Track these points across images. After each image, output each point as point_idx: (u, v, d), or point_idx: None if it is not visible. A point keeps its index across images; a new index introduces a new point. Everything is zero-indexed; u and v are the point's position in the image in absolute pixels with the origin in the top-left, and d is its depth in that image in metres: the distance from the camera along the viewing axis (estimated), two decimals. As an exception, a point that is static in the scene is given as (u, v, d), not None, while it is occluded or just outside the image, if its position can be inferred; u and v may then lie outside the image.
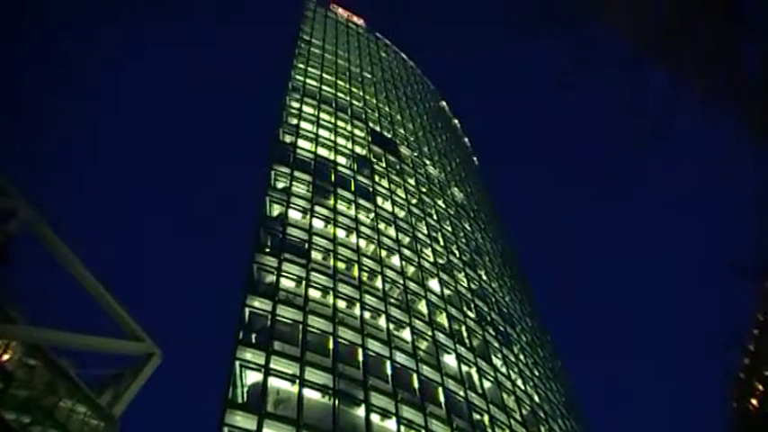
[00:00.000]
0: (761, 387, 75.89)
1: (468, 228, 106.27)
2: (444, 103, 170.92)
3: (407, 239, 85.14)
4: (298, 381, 52.91)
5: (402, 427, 55.62)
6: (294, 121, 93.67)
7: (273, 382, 52.13)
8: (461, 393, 65.51)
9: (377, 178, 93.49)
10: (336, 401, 53.52)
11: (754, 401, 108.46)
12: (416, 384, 61.95)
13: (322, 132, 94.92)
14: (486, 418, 65.68)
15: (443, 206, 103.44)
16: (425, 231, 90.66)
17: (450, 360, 69.65)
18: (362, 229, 79.83)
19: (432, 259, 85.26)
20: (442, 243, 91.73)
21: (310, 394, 53.06)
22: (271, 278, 63.30)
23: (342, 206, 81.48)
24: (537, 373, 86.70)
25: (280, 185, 78.49)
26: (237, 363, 51.75)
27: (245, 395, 50.33)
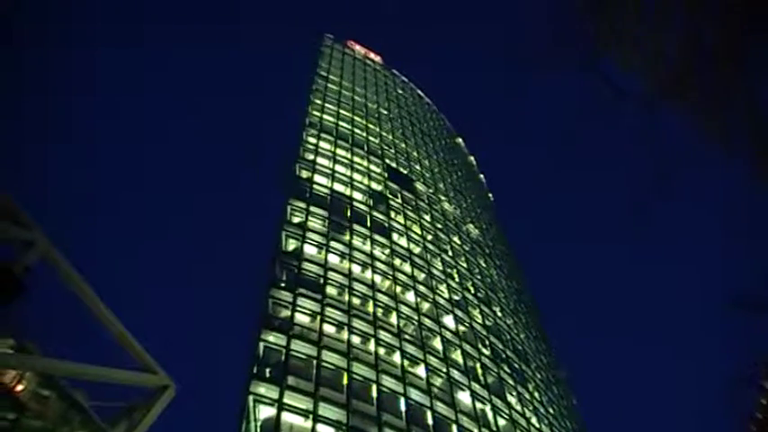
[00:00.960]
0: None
1: (484, 264, 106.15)
2: (460, 140, 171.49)
3: (423, 275, 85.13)
4: (311, 416, 52.88)
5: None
6: (311, 157, 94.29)
7: (287, 417, 52.09)
8: (475, 431, 65.12)
9: (392, 214, 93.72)
10: (349, 437, 53.41)
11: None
12: (430, 421, 61.65)
13: (338, 168, 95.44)
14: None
15: (459, 242, 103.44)
16: (441, 267, 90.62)
17: (464, 397, 69.33)
18: (378, 264, 79.92)
19: (447, 296, 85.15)
20: (457, 279, 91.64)
21: (324, 430, 52.96)
22: (286, 313, 63.43)
23: (357, 242, 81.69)
24: (551, 411, 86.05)
25: (296, 220, 78.84)
26: (251, 397, 51.82)
27: (258, 430, 50.28)
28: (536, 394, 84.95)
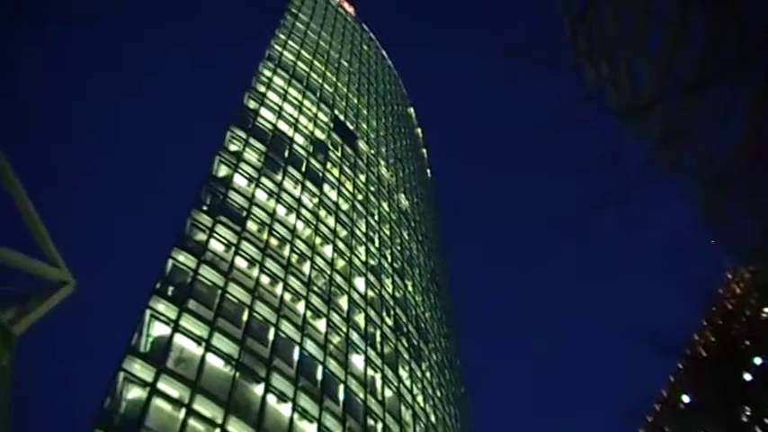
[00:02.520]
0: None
1: (406, 236, 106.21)
2: (412, 110, 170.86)
3: (344, 233, 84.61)
4: (204, 344, 52.05)
5: (296, 414, 55.03)
6: (262, 89, 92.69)
7: (180, 339, 51.18)
8: (361, 396, 65.19)
9: (329, 166, 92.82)
10: (237, 374, 52.72)
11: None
12: (319, 376, 61.41)
13: (287, 107, 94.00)
14: (379, 426, 65.47)
15: (387, 209, 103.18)
16: (364, 229, 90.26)
17: (357, 361, 69.29)
18: (303, 211, 79.10)
19: (363, 258, 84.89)
20: (376, 245, 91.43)
21: (213, 361, 52.20)
22: (201, 237, 62.29)
23: (288, 184, 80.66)
24: (439, 394, 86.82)
25: (232, 148, 77.41)
26: (148, 312, 50.71)
27: (148, 345, 49.24)
28: (428, 374, 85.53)
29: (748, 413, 26.01)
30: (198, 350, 51.62)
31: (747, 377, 27.44)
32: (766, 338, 31.63)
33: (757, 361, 30.35)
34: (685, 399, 47.65)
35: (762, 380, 28.05)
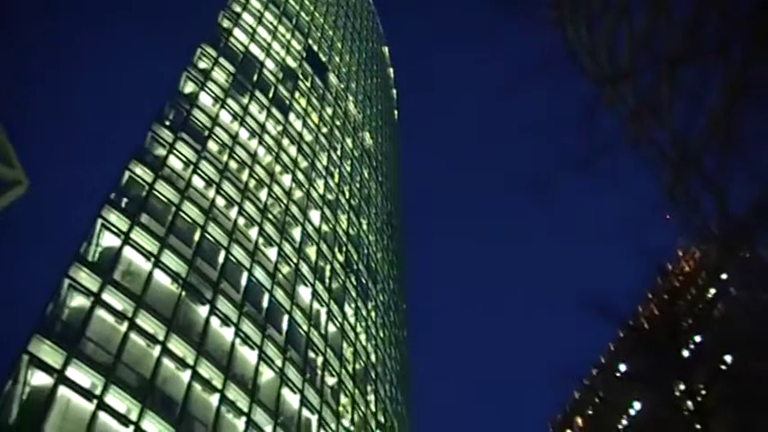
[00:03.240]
0: (580, 422, 79.37)
1: (366, 175, 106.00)
2: (386, 49, 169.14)
3: (305, 164, 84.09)
4: (153, 260, 51.72)
5: (237, 339, 55.22)
6: (238, 9, 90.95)
7: (129, 252, 50.80)
8: (304, 328, 65.55)
9: (297, 95, 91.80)
10: (183, 293, 52.61)
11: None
12: (265, 304, 61.54)
13: (261, 31, 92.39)
14: (320, 359, 66.06)
15: (350, 146, 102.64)
16: (325, 163, 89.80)
17: (304, 293, 69.51)
18: (266, 137, 78.35)
19: (321, 191, 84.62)
20: (336, 179, 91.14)
21: (161, 277, 51.97)
22: (161, 151, 61.43)
23: (254, 108, 79.71)
24: (382, 335, 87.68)
25: (201, 66, 76.12)
26: (100, 221, 50.10)
27: (96, 255, 48.82)
28: (373, 314, 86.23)
29: (682, 388, 26.60)
30: (146, 265, 51.29)
31: (685, 353, 28.02)
32: (708, 318, 32.35)
33: (697, 339, 31.09)
34: (622, 367, 48.71)
35: (699, 358, 28.70)
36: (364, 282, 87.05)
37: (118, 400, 42.15)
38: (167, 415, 44.63)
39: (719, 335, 29.20)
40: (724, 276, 42.47)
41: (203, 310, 53.91)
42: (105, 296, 45.99)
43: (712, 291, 44.91)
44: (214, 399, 49.68)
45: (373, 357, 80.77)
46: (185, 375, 48.23)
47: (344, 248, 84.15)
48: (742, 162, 33.32)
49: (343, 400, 68.07)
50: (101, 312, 45.41)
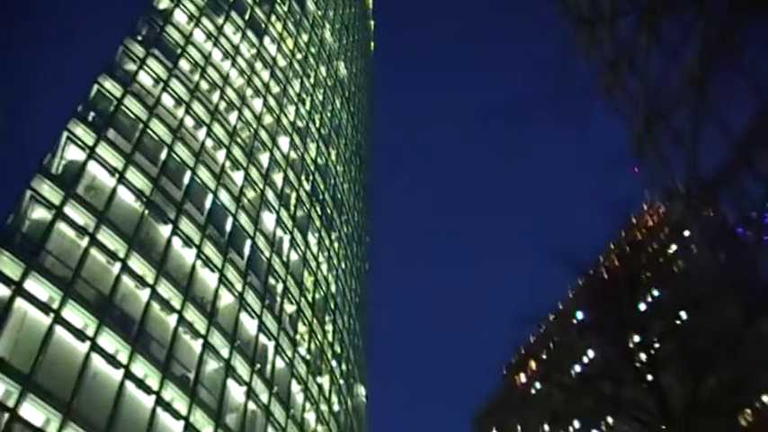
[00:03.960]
0: (533, 365, 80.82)
1: (338, 105, 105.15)
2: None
3: (277, 89, 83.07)
4: (117, 176, 51.04)
5: (199, 261, 55.16)
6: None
7: (93, 167, 50.00)
8: (266, 254, 65.58)
9: (273, 19, 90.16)
10: (147, 211, 52.16)
11: (522, 376, 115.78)
12: (228, 228, 61.36)
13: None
14: (280, 286, 66.26)
15: (324, 74, 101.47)
16: (297, 90, 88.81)
17: (268, 219, 69.36)
18: (239, 60, 77.14)
19: (292, 118, 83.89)
20: (307, 107, 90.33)
21: (124, 194, 51.38)
22: (132, 67, 60.08)
23: (229, 29, 78.26)
24: (344, 266, 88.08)
25: (178, -19, 74.23)
26: (65, 134, 49.18)
27: (60, 168, 48.01)
28: (336, 245, 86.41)
29: (636, 340, 27.06)
30: (110, 181, 50.61)
31: (642, 307, 28.42)
32: (667, 274, 32.78)
33: (654, 293, 31.55)
34: (579, 315, 49.27)
35: (655, 311, 29.16)
36: (329, 212, 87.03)
37: (75, 314, 41.92)
38: (124, 333, 44.57)
39: (677, 291, 29.63)
40: (687, 233, 42.99)
41: (166, 230, 53.57)
42: (67, 210, 45.40)
43: (674, 247, 45.51)
44: (172, 319, 49.76)
45: (333, 288, 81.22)
46: (144, 294, 48.12)
47: (311, 177, 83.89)
48: (713, 121, 33.48)
49: (301, 328, 68.62)
50: (62, 226, 44.91)
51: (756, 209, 29.46)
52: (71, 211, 45.73)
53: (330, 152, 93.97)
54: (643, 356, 26.55)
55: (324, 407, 69.29)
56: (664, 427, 24.30)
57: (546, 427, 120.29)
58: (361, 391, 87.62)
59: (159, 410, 44.39)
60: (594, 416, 41.52)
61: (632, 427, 27.62)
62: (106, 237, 47.17)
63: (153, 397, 44.26)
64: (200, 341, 51.40)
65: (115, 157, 51.88)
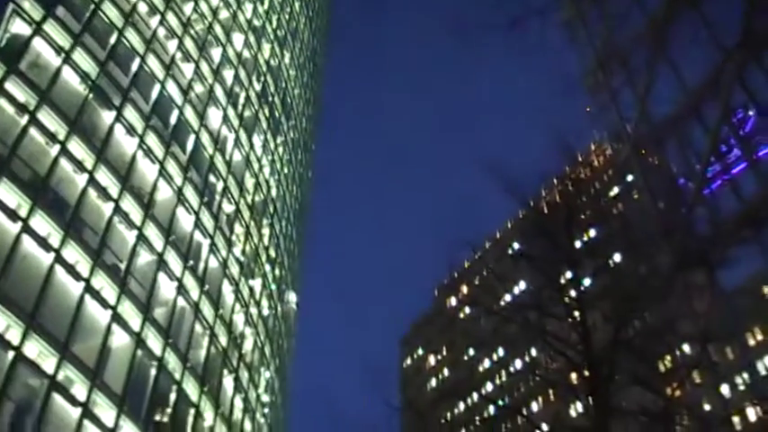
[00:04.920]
0: (465, 290, 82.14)
1: (297, 8, 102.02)
2: None
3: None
4: (64, 55, 49.32)
5: (140, 151, 54.17)
6: None
7: (39, 44, 47.98)
8: (209, 151, 64.78)
9: None
10: (91, 95, 50.70)
11: (453, 299, 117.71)
12: (173, 120, 60.21)
13: None
14: (220, 184, 65.68)
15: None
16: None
17: (215, 116, 68.27)
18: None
19: (248, 15, 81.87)
20: (265, 6, 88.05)
21: (69, 75, 49.64)
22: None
23: None
24: (286, 171, 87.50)
25: None
26: (11, 6, 46.93)
27: (4, 41, 45.98)
28: (281, 149, 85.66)
29: (568, 276, 27.52)
30: (56, 60, 48.86)
31: (578, 244, 28.82)
32: (606, 215, 33.25)
33: (591, 233, 32.02)
34: (515, 245, 50.00)
35: (589, 251, 29.60)
36: (277, 115, 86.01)
37: (8, 193, 41.04)
38: (58, 216, 43.90)
39: (613, 233, 30.10)
40: (630, 178, 43.58)
41: (109, 116, 52.25)
42: (8, 85, 43.86)
43: (616, 189, 46.14)
44: (108, 207, 49.05)
45: (274, 192, 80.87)
46: (82, 179, 47.22)
47: (263, 78, 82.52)
48: (668, 69, 33.64)
49: (238, 229, 68.40)
50: (1, 102, 43.50)
51: (701, 162, 29.98)
52: (12, 86, 44.21)
53: (284, 55, 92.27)
54: (573, 293, 27.03)
55: (253, 309, 69.66)
56: (585, 362, 24.92)
57: (471, 351, 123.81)
58: (293, 297, 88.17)
59: (87, 298, 44.09)
60: (519, 346, 42.67)
61: (555, 361, 28.30)
62: (47, 117, 45.84)
63: (82, 284, 43.89)
64: (135, 232, 50.92)
65: (63, 36, 49.96)
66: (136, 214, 51.52)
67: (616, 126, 36.93)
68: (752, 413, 35.05)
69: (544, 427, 30.19)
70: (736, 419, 30.10)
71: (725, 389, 29.81)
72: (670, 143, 32.98)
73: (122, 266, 48.91)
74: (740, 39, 27.32)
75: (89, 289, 44.29)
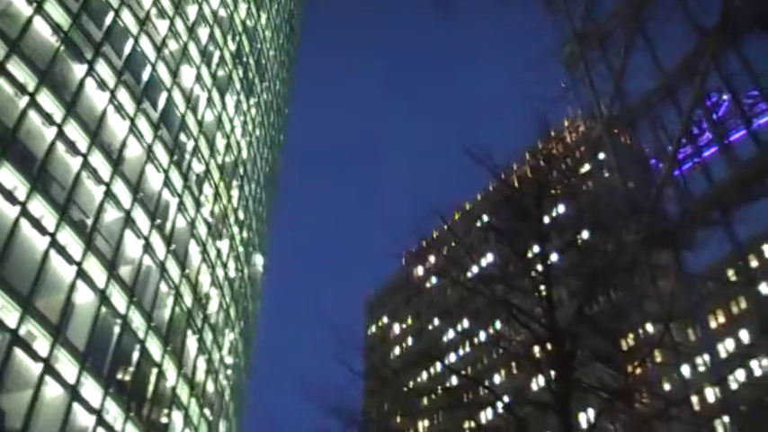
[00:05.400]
0: (432, 260, 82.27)
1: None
2: None
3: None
4: (35, 5, 47.92)
5: (111, 107, 53.39)
6: None
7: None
8: (181, 109, 64.12)
9: None
10: (63, 47, 49.55)
11: (420, 268, 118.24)
12: (145, 77, 59.40)
13: None
14: (191, 144, 65.18)
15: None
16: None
17: (188, 73, 67.46)
18: None
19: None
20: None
21: (41, 26, 48.14)
22: None
23: None
24: (258, 134, 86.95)
25: None
26: None
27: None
28: (253, 111, 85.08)
29: (536, 251, 27.65)
30: (27, 9, 47.61)
31: (546, 220, 28.91)
32: (576, 192, 33.35)
33: (560, 209, 32.19)
34: (484, 218, 50.01)
35: (558, 226, 29.78)
36: (251, 76, 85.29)
37: (-26, 144, 40.45)
38: (25, 169, 43.18)
39: (582, 210, 30.20)
40: (602, 156, 43.78)
41: (80, 70, 51.28)
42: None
43: (587, 166, 46.33)
44: (76, 162, 48.35)
45: (245, 154, 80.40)
46: (50, 132, 46.40)
47: (237, 38, 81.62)
48: (646, 49, 33.75)
49: (207, 189, 68.00)
50: (-30, 50, 42.66)
51: (673, 143, 30.23)
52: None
53: (261, 16, 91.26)
54: (540, 267, 27.14)
55: (220, 271, 69.53)
56: (549, 336, 25.11)
57: (436, 321, 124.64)
58: (259, 260, 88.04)
59: (53, 253, 43.61)
60: (484, 318, 42.85)
61: (519, 334, 28.46)
62: (16, 67, 44.80)
63: (47, 238, 43.36)
64: (103, 188, 50.33)
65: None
66: (104, 170, 50.91)
67: (590, 102, 37.02)
68: (710, 394, 35.62)
69: (506, 398, 30.30)
70: (695, 399, 30.48)
71: (685, 369, 30.23)
72: (643, 123, 33.18)
73: (89, 222, 48.43)
74: (718, 22, 27.45)
75: (54, 244, 43.77)
